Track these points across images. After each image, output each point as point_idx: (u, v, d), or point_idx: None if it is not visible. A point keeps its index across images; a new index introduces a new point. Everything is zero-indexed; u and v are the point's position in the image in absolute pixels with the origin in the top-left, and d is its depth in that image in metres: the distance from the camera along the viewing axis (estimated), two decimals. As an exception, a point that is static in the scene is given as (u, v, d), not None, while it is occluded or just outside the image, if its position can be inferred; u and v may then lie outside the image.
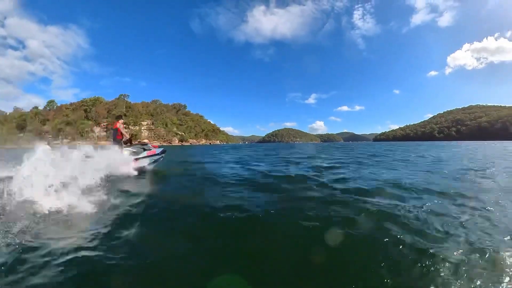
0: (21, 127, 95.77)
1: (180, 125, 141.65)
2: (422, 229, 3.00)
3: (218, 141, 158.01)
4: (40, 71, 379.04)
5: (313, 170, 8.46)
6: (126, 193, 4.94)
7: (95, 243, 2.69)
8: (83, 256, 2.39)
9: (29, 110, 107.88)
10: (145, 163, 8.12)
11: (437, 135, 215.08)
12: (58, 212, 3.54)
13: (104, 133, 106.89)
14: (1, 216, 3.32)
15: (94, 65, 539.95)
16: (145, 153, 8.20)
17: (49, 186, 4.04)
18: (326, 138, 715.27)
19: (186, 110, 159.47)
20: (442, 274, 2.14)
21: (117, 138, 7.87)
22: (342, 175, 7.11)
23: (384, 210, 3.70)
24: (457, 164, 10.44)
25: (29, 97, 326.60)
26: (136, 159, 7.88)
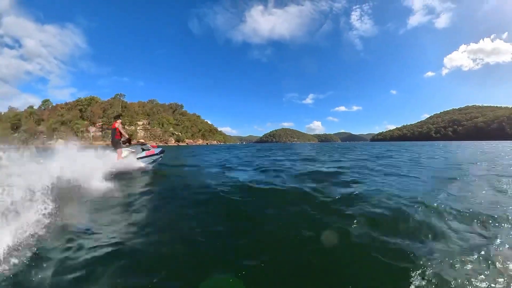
0: (16, 127, 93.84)
1: (177, 125, 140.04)
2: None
3: (215, 142, 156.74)
4: (37, 70, 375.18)
5: (310, 178, 6.34)
6: (123, 192, 4.84)
7: (89, 242, 2.64)
8: (76, 256, 2.36)
9: (23, 110, 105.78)
10: (144, 163, 7.99)
11: (434, 135, 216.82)
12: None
13: (100, 133, 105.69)
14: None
15: (91, 64, 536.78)
16: (144, 153, 8.15)
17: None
18: (323, 138, 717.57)
19: (183, 110, 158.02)
20: None
21: (116, 138, 7.73)
22: (352, 189, 5.02)
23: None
24: (482, 167, 9.47)
25: (25, 97, 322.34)
26: (135, 159, 7.82)
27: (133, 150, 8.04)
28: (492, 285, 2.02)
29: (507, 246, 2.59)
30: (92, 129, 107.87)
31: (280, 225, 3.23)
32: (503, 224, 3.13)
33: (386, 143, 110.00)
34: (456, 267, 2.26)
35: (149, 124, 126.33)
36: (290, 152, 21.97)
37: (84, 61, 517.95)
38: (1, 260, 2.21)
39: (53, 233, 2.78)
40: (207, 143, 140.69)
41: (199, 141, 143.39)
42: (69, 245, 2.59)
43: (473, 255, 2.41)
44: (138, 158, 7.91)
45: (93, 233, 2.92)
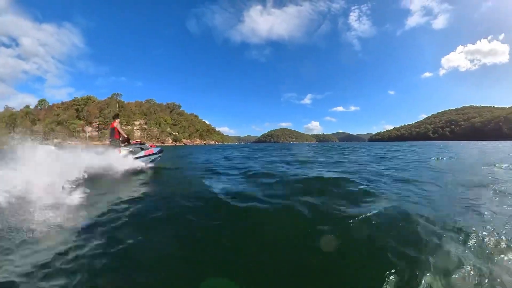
0: (11, 127, 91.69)
1: (174, 125, 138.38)
2: None
3: (213, 142, 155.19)
4: (34, 69, 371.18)
5: (307, 188, 4.83)
6: (122, 192, 4.65)
7: (85, 243, 2.51)
8: (73, 257, 2.24)
9: (19, 110, 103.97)
10: (142, 162, 7.94)
11: (431, 135, 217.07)
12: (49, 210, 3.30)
13: (96, 133, 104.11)
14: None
15: (89, 64, 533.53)
16: (142, 153, 8.14)
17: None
18: (321, 138, 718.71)
19: (181, 110, 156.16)
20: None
21: (114, 137, 7.73)
22: (365, 208, 3.44)
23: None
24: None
25: (22, 96, 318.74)
26: (134, 158, 7.77)
27: (131, 150, 8.04)
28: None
29: None
30: (88, 129, 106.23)
31: None
32: None
33: (385, 143, 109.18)
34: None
35: (146, 124, 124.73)
36: (286, 152, 20.67)
37: (82, 61, 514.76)
38: None
39: (48, 232, 2.74)
40: (204, 143, 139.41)
41: (196, 141, 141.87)
42: (63, 246, 2.44)
43: None
44: (136, 158, 7.90)
45: (87, 233, 2.75)
